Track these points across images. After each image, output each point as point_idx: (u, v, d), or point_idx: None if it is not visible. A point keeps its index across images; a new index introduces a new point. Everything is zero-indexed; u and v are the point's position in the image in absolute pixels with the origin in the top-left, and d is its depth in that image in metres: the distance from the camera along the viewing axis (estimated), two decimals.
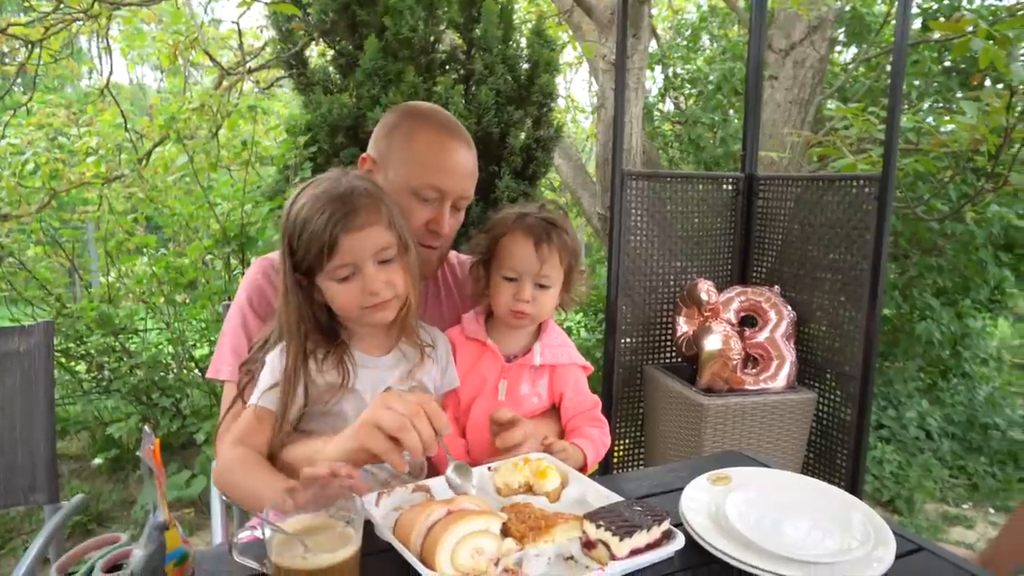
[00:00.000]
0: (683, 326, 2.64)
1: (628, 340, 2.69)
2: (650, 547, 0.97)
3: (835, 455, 2.51)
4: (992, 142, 2.62)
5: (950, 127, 3.16)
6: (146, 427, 0.85)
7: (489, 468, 1.18)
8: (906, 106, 4.70)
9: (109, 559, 0.89)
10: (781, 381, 2.48)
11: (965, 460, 4.03)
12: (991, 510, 3.60)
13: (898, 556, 0.98)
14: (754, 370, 2.51)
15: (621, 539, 0.94)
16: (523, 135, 3.43)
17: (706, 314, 2.54)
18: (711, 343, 2.40)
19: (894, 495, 3.59)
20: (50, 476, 1.60)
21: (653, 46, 6.29)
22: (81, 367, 4.35)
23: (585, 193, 5.21)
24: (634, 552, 0.95)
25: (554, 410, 1.48)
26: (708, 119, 5.01)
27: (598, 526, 0.97)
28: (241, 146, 3.61)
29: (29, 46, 4.46)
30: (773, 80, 4.55)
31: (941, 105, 4.45)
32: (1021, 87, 2.46)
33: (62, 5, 4.02)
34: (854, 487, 2.39)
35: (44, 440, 1.60)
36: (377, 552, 0.98)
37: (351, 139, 3.29)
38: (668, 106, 6.48)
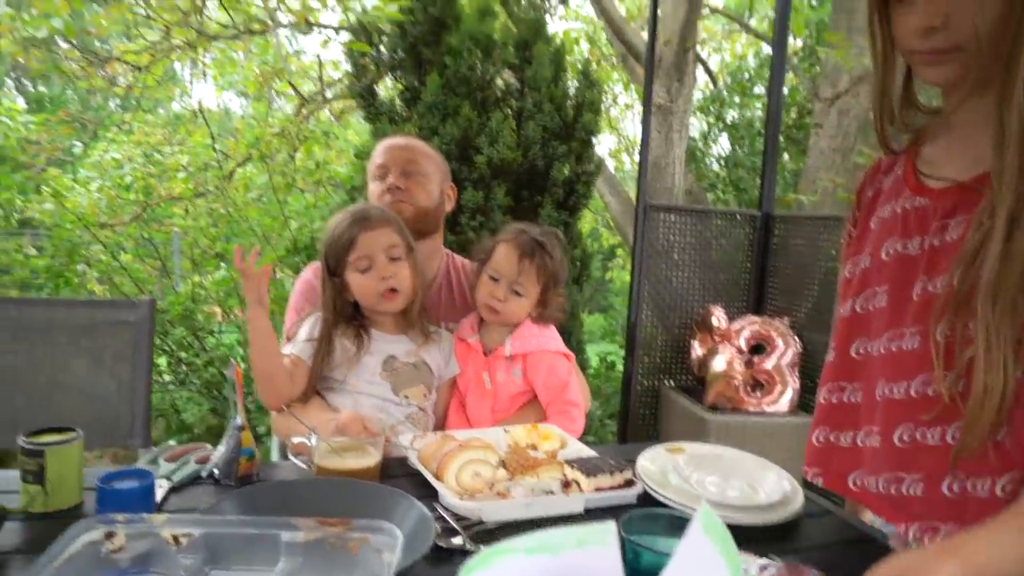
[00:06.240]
0: (697, 350, 2.87)
1: (646, 360, 2.93)
2: (613, 489, 1.21)
3: None
4: None
5: None
6: (231, 360, 1.17)
7: (506, 430, 1.45)
8: None
9: (201, 456, 1.21)
10: (783, 405, 2.67)
11: None
12: None
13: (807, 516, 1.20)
14: (758, 394, 2.71)
15: (588, 477, 1.20)
16: (567, 169, 3.73)
17: (716, 339, 2.76)
18: (717, 364, 2.62)
19: None
20: (145, 425, 1.96)
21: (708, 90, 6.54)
22: (163, 360, 4.85)
23: (631, 228, 5.47)
24: (599, 489, 1.21)
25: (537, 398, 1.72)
26: (750, 161, 5.22)
27: (572, 467, 1.23)
28: (314, 167, 4.04)
29: (136, 71, 5.06)
30: (818, 128, 4.74)
31: None
32: None
33: (168, 36, 4.59)
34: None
35: (143, 396, 1.97)
36: (406, 475, 1.28)
37: None
38: (723, 148, 6.71)
